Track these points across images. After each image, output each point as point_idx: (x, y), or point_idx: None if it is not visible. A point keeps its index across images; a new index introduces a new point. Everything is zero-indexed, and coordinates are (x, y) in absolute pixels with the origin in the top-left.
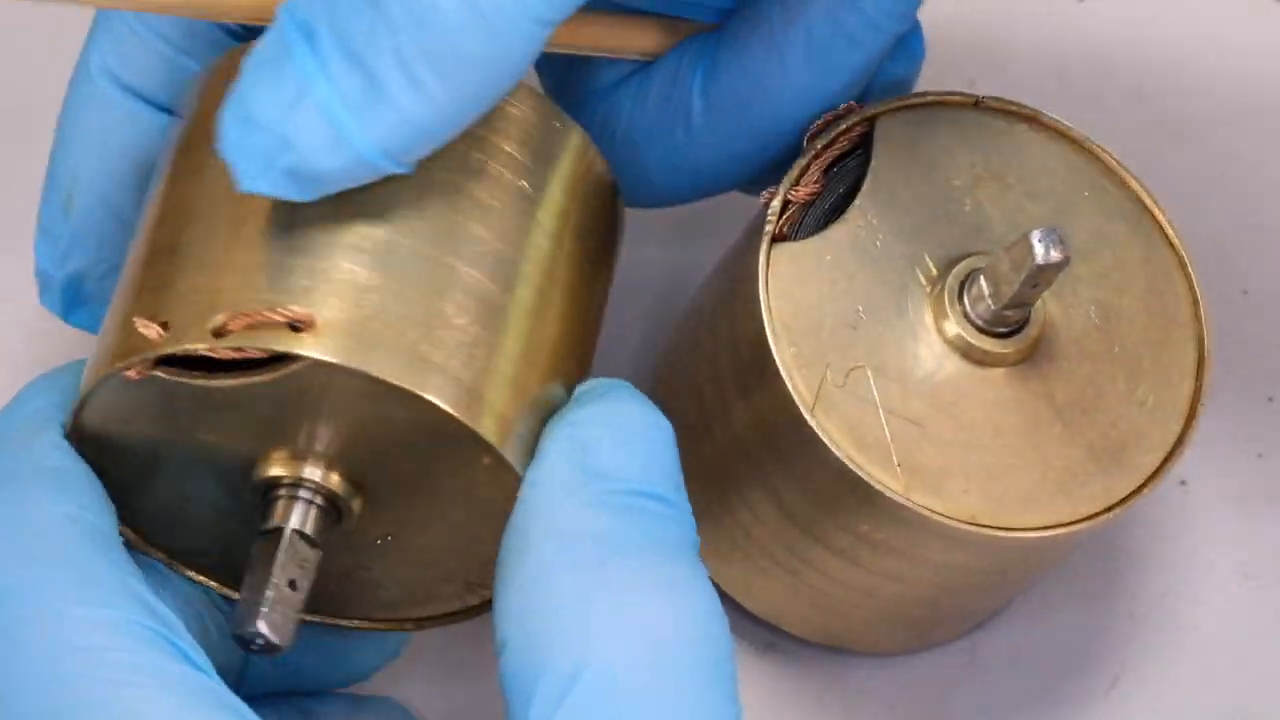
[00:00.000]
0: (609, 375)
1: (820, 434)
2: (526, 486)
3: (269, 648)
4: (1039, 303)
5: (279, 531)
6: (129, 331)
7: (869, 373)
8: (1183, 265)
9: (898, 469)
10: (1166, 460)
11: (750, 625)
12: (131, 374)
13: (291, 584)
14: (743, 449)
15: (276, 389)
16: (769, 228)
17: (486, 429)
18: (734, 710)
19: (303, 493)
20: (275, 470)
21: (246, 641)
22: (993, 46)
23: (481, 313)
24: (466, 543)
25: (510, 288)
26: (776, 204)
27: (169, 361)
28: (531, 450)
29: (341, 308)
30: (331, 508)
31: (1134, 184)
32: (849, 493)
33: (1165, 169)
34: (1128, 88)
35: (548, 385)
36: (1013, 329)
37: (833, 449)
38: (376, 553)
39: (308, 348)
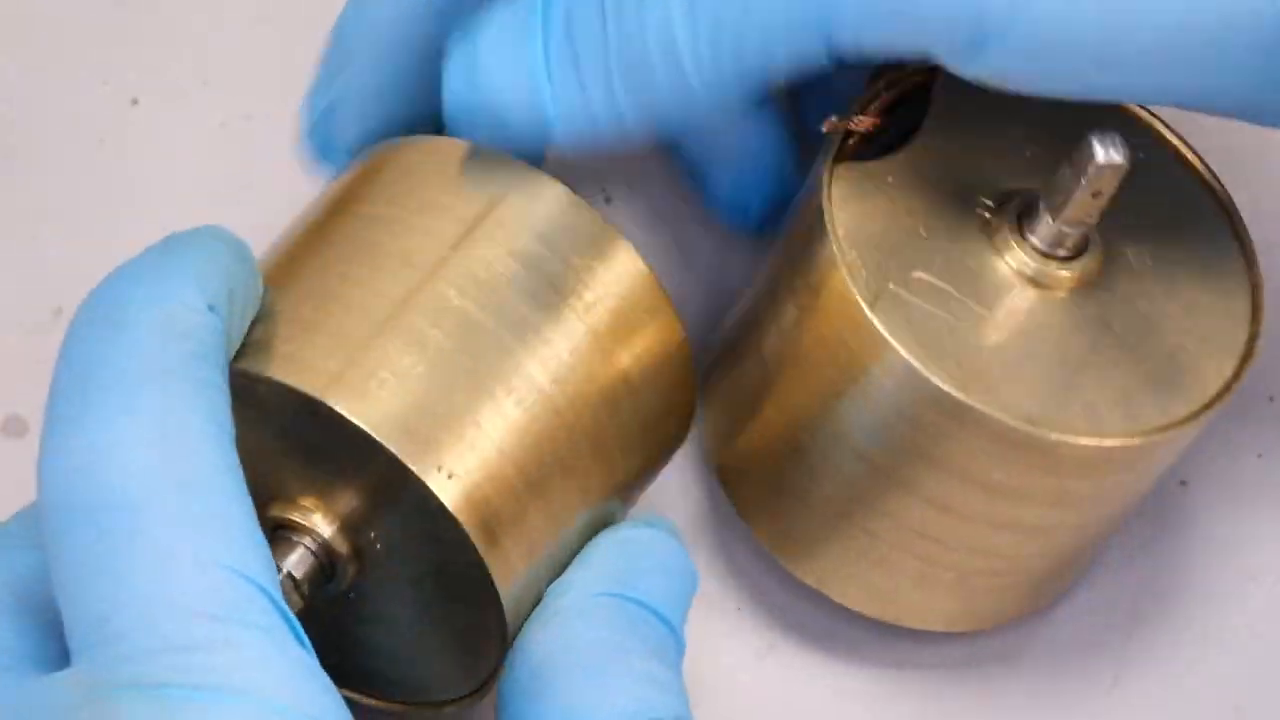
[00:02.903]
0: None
1: (881, 330)
2: (571, 570)
3: None
4: (1096, 233)
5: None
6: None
7: (930, 281)
8: (1234, 225)
9: (958, 369)
10: (1225, 390)
11: (750, 630)
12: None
13: None
14: (806, 374)
15: (318, 437)
16: (833, 147)
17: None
18: None
19: (307, 540)
20: (289, 513)
21: None
22: None
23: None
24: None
25: (554, 448)
26: (840, 127)
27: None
28: (521, 602)
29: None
30: (328, 565)
31: (1187, 152)
32: (910, 397)
33: None
34: None
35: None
36: (1071, 254)
37: (893, 344)
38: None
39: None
